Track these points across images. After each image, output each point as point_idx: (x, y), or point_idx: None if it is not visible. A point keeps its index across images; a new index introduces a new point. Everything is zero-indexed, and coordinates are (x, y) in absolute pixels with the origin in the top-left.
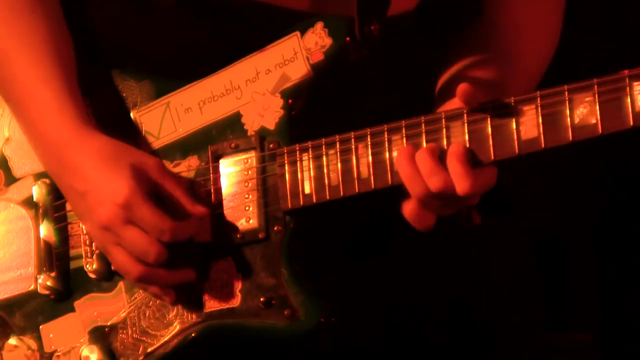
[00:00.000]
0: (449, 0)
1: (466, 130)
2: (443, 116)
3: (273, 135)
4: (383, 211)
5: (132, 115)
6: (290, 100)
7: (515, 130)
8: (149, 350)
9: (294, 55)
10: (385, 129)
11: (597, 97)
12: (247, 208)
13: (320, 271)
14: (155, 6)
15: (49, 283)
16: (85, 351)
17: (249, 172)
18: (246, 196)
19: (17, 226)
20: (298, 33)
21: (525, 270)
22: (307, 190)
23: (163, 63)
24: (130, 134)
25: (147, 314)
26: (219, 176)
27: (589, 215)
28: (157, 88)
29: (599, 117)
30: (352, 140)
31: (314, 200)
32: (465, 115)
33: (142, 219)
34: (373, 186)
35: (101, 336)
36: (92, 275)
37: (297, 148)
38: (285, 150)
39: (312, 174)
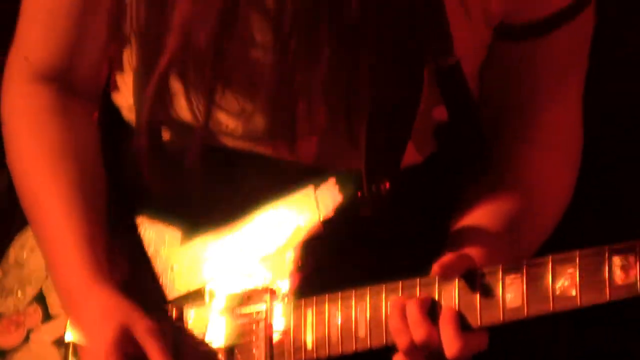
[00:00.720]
0: (457, 154)
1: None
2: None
3: (281, 289)
4: None
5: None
6: (300, 263)
7: (501, 298)
8: None
9: (307, 209)
10: (384, 289)
11: (579, 270)
12: None
13: None
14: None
15: None
16: None
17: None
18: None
19: None
20: (312, 187)
21: None
22: (309, 346)
23: (188, 212)
24: (150, 278)
25: None
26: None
27: None
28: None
29: (578, 290)
30: (353, 298)
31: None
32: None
33: None
34: (369, 345)
35: None
36: None
37: (303, 303)
38: (292, 306)
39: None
